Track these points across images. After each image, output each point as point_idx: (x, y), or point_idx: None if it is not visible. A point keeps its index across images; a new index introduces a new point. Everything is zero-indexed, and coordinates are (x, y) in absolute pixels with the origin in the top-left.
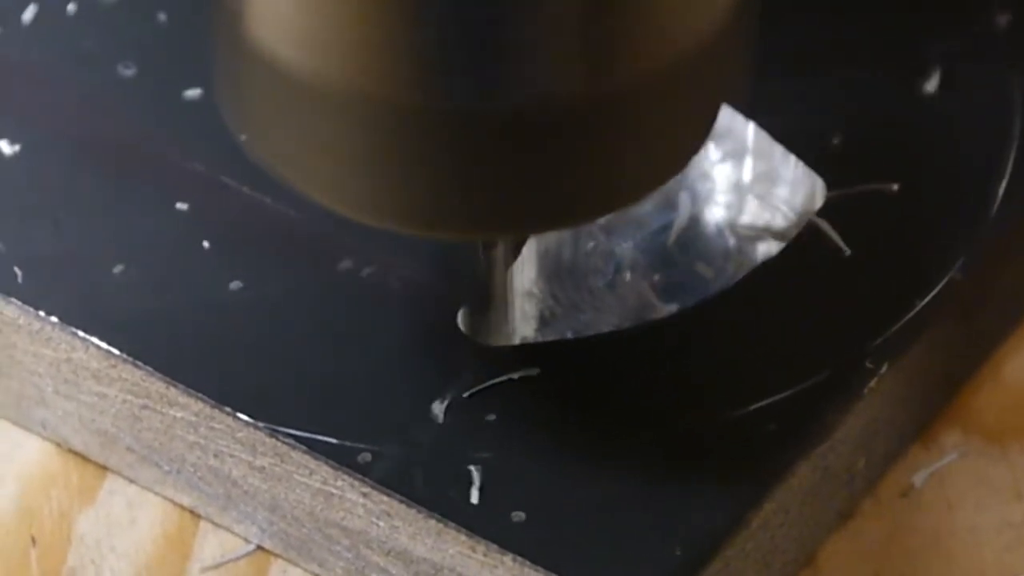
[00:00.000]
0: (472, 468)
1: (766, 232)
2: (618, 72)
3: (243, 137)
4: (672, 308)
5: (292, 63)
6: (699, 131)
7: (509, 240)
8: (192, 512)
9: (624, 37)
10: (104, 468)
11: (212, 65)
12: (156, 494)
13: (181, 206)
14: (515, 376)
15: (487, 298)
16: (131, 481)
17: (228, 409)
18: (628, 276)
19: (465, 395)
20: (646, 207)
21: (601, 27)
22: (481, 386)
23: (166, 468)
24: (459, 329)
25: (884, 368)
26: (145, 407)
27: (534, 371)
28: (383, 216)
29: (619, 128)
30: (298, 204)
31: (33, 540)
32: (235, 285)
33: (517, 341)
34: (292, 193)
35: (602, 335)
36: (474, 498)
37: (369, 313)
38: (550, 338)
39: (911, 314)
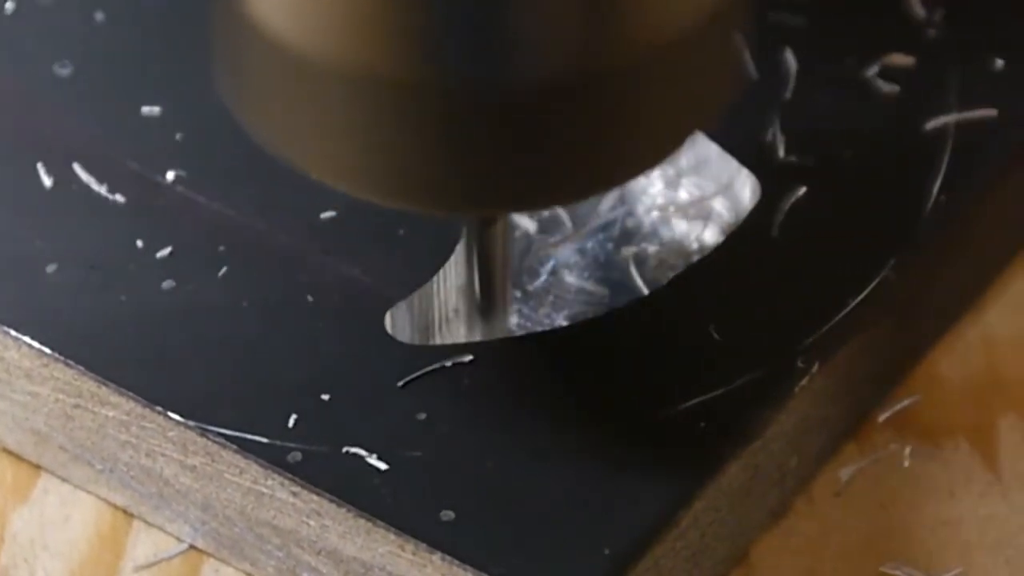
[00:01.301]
0: (402, 467)
1: (700, 230)
2: (617, 49)
3: (243, 116)
4: (605, 307)
5: (289, 38)
6: (700, 107)
7: (506, 217)
8: (125, 511)
9: (622, 14)
10: (38, 467)
11: (211, 45)
12: (89, 493)
13: (115, 205)
14: (445, 369)
15: (484, 281)
16: (64, 480)
17: (159, 408)
18: (563, 276)
19: (397, 387)
20: (581, 207)
21: (599, 4)
22: (411, 377)
23: (99, 467)
24: (387, 329)
25: (815, 367)
26: (77, 406)
27: (464, 370)
28: (385, 193)
29: (618, 104)
30: (232, 203)
31: None
32: (167, 284)
33: (462, 339)
34: (226, 192)
35: (533, 334)
36: (403, 497)
37: (300, 312)
38: (482, 338)
39: (843, 313)
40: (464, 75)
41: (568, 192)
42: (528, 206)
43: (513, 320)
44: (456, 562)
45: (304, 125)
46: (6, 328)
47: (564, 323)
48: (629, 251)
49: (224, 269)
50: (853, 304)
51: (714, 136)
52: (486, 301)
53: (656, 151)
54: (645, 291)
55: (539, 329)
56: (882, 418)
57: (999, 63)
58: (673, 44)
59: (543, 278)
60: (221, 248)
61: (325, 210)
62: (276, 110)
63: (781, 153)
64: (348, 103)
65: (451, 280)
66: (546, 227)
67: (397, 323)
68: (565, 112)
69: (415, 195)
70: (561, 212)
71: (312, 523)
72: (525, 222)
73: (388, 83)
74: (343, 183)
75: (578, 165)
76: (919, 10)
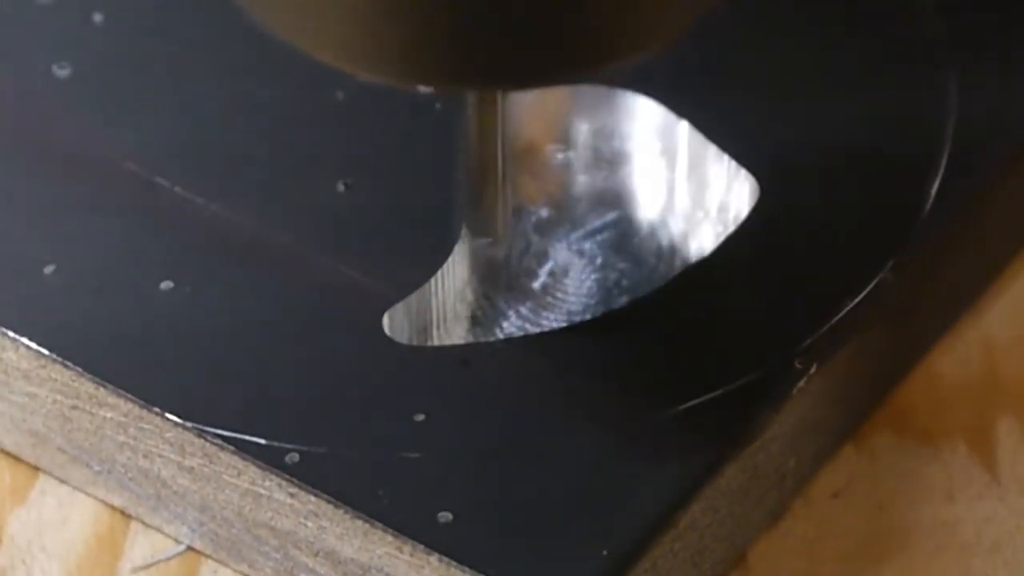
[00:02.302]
0: (399, 468)
1: (698, 231)
2: None
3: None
4: (604, 308)
5: None
6: None
7: (504, 97)
8: (123, 512)
9: None
10: (36, 468)
11: None
12: (87, 494)
13: (113, 206)
14: (443, 370)
15: (477, 177)
16: (62, 481)
17: (156, 410)
18: (562, 277)
19: (395, 388)
20: (580, 207)
21: None
22: (410, 385)
23: (97, 468)
24: (385, 330)
25: (813, 369)
26: (75, 407)
27: (462, 371)
28: (385, 68)
29: None
30: (230, 203)
31: None
32: (166, 285)
33: (460, 340)
34: (224, 193)
35: (531, 336)
36: (401, 498)
37: (297, 313)
38: (481, 338)
39: (841, 314)
40: None
41: (570, 66)
42: (528, 82)
43: (511, 321)
44: (454, 563)
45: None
46: (4, 329)
47: (562, 324)
48: (627, 252)
49: (222, 270)
50: (851, 305)
51: (712, 136)
52: (481, 190)
53: (661, 25)
54: (643, 292)
55: (537, 330)
56: (880, 419)
57: (998, 64)
58: None
59: (541, 279)
60: (219, 249)
61: (323, 210)
62: None
63: (779, 154)
64: None
65: (449, 281)
66: (544, 228)
67: (395, 324)
68: None
69: (414, 70)
70: (559, 214)
71: (310, 524)
72: (524, 223)
73: None
74: (349, 62)
75: (580, 38)
76: (919, 10)
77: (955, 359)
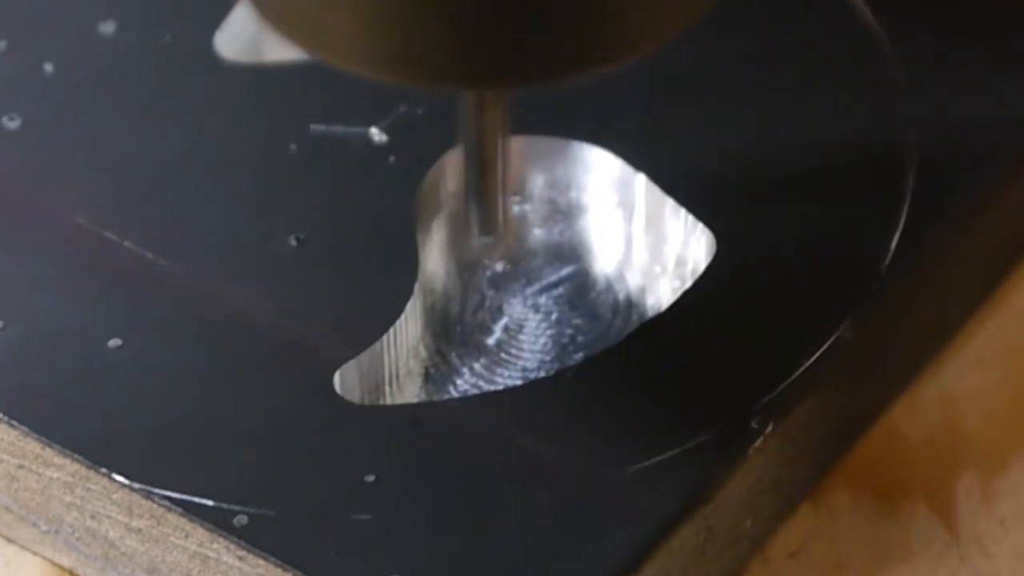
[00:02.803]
0: (349, 530)
1: (655, 286)
2: None
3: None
4: (559, 365)
5: None
6: None
7: (503, 100)
8: (71, 573)
9: None
10: None
11: None
12: (35, 554)
13: (61, 261)
14: (395, 430)
15: (476, 177)
16: (10, 541)
17: (104, 470)
18: (516, 333)
19: (345, 448)
20: (535, 261)
21: None
22: (360, 445)
23: (44, 528)
24: (335, 389)
25: (770, 428)
26: (21, 467)
27: (414, 431)
28: (393, 69)
29: None
30: (180, 259)
31: None
32: (114, 343)
33: (413, 398)
34: (175, 249)
35: (484, 394)
36: (351, 561)
37: (248, 372)
38: (435, 396)
39: (798, 372)
40: None
41: (567, 68)
42: (529, 80)
43: (465, 378)
44: None
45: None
46: None
47: (517, 381)
48: (583, 307)
49: (171, 327)
50: (808, 363)
51: (669, 190)
52: (481, 198)
53: (659, 28)
54: (598, 348)
55: (491, 388)
56: (839, 477)
57: (957, 120)
58: None
59: (496, 335)
60: (168, 305)
61: (275, 265)
62: None
63: (737, 208)
64: None
65: (402, 337)
66: (499, 282)
67: (346, 382)
68: None
69: (414, 69)
70: (515, 268)
71: None
72: (479, 278)
73: None
74: (350, 62)
75: (576, 40)
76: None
77: (915, 415)
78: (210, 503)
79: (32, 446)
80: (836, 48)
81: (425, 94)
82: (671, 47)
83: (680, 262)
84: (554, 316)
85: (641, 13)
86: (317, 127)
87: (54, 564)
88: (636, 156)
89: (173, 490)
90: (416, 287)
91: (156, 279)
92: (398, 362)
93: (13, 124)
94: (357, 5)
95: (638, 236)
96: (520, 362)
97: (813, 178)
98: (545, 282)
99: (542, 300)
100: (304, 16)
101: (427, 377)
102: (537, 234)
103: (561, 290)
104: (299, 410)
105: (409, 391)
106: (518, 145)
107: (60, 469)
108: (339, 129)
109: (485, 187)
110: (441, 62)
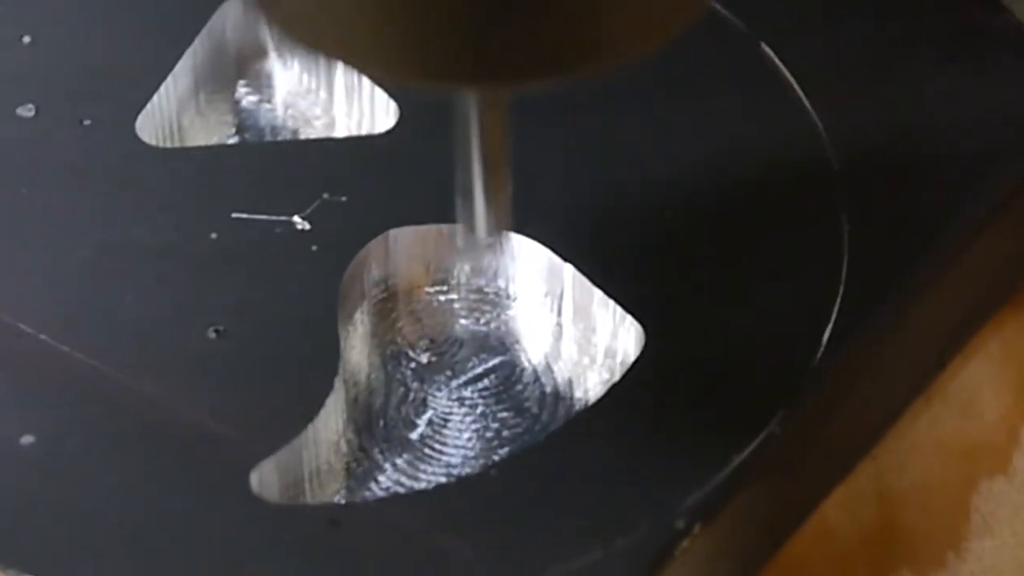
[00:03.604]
0: None
1: (583, 379)
2: None
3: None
4: (484, 461)
5: None
6: None
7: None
8: None
9: None
10: None
11: None
12: None
13: None
14: (313, 530)
15: (484, 172)
16: None
17: (12, 572)
18: (440, 427)
19: (262, 549)
20: (461, 352)
21: None
22: (277, 546)
23: None
24: (252, 488)
25: (697, 528)
26: None
27: (332, 532)
28: (401, 70)
29: None
30: (96, 352)
31: None
32: (27, 440)
33: (331, 497)
34: (90, 343)
35: (404, 494)
36: None
37: (163, 470)
38: (357, 493)
39: (727, 470)
40: None
41: (563, 68)
42: (532, 80)
43: (387, 474)
44: None
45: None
46: None
47: (440, 478)
48: (509, 400)
49: (86, 423)
50: (738, 460)
51: (598, 282)
52: (490, 196)
53: (657, 29)
54: (524, 444)
55: (414, 484)
56: (771, 574)
57: (892, 204)
58: None
59: (420, 429)
60: (83, 400)
61: (192, 359)
62: None
63: (666, 300)
64: None
65: (323, 433)
66: (424, 374)
67: (264, 481)
68: None
69: (416, 69)
70: (440, 359)
71: None
72: (404, 370)
73: None
74: (358, 61)
75: (574, 41)
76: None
77: (850, 511)
78: None
79: None
80: (770, 134)
81: (345, 183)
82: (598, 134)
83: (609, 353)
84: (479, 410)
85: (642, 12)
86: (239, 214)
87: None
88: (564, 246)
89: None
90: (338, 380)
91: (71, 373)
92: (318, 458)
93: None
94: (362, 8)
95: (566, 327)
96: (444, 458)
97: (744, 269)
98: (471, 374)
99: (467, 393)
100: (313, 19)
101: (349, 473)
102: (463, 324)
103: (487, 382)
104: (214, 510)
105: (330, 488)
106: (444, 233)
107: None
108: (261, 217)
109: (494, 184)
110: (445, 61)
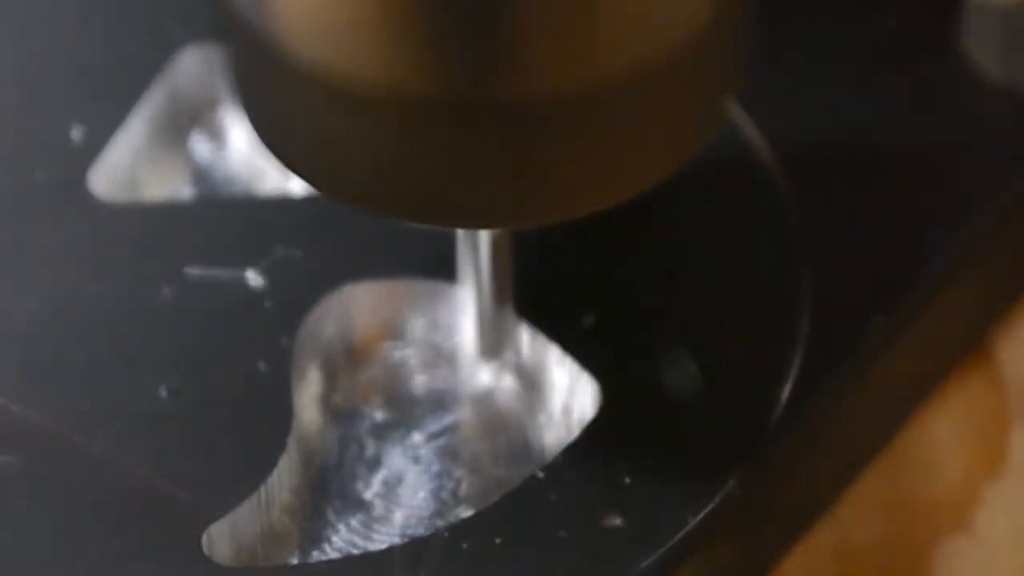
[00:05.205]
0: None
1: (539, 437)
2: (615, 66)
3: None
4: (439, 521)
5: (305, 59)
6: (700, 123)
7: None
8: None
9: (619, 31)
10: None
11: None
12: None
13: None
14: None
15: (491, 304)
16: None
17: None
18: (395, 486)
19: None
20: (417, 409)
21: (596, 21)
22: None
23: None
24: (203, 550)
25: None
26: None
27: None
28: (404, 210)
29: (616, 121)
30: (42, 408)
31: None
32: None
33: (285, 560)
34: (37, 396)
35: (353, 557)
36: None
37: (110, 531)
38: (309, 554)
39: (683, 532)
40: (476, 88)
41: (569, 207)
42: (543, 219)
43: (341, 535)
44: None
45: (316, 146)
46: None
47: (394, 538)
48: (464, 458)
49: (33, 482)
50: (694, 522)
51: (553, 338)
52: (492, 325)
53: (657, 167)
54: (479, 504)
55: (367, 544)
56: None
57: (853, 258)
58: (673, 59)
59: (374, 488)
60: (31, 459)
61: (143, 417)
62: (295, 134)
63: (623, 356)
64: (368, 124)
65: (276, 494)
66: (378, 432)
67: (215, 542)
68: (562, 129)
69: (427, 211)
70: (395, 416)
71: None
72: (358, 427)
73: (390, 99)
74: (360, 201)
75: (578, 181)
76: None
77: (809, 569)
78: None
79: None
80: (728, 185)
81: (300, 237)
82: None
83: (566, 411)
84: (435, 468)
85: (646, 155)
86: (192, 269)
87: None
88: (518, 302)
89: None
90: (290, 439)
91: (17, 431)
92: (271, 519)
93: None
94: (361, 150)
95: (523, 384)
96: (398, 518)
97: (702, 326)
98: (426, 432)
99: (423, 451)
100: (313, 159)
101: (302, 534)
102: (419, 380)
103: (443, 441)
104: (166, 574)
105: (283, 550)
106: (400, 287)
107: None
108: (215, 272)
109: (497, 313)
110: (451, 203)
